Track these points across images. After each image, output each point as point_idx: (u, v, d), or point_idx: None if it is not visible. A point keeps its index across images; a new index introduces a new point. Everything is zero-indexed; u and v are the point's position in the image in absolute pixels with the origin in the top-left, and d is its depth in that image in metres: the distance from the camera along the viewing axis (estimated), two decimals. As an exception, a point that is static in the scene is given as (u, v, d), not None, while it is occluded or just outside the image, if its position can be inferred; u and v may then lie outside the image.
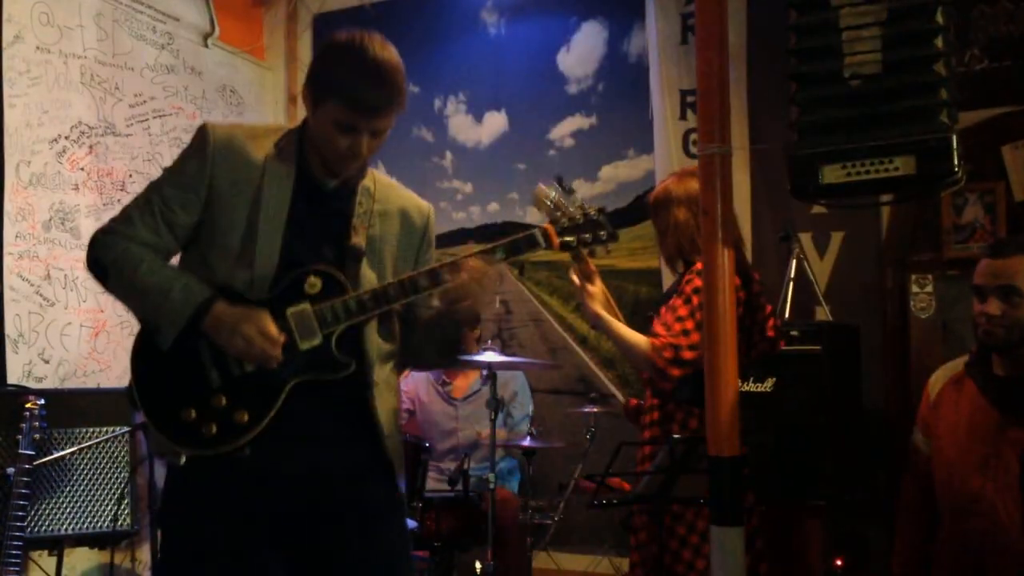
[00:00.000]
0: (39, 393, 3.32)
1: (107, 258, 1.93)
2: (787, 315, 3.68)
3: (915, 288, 3.90)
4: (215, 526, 1.89)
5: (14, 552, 2.98)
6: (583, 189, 4.65)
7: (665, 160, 4.33)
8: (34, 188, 3.89)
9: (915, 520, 2.72)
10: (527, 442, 3.90)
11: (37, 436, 3.13)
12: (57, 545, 3.41)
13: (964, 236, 3.82)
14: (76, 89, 4.08)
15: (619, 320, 2.65)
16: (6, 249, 3.77)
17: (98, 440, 3.46)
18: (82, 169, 4.10)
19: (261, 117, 5.12)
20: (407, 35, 4.79)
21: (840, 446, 3.32)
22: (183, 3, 4.67)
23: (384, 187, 2.09)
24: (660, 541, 2.48)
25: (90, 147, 4.14)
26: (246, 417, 1.87)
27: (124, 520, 3.51)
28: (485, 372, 3.90)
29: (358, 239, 1.99)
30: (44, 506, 3.34)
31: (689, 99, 4.28)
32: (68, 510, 3.40)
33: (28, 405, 3.14)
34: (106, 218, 2.02)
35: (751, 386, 3.28)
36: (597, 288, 2.63)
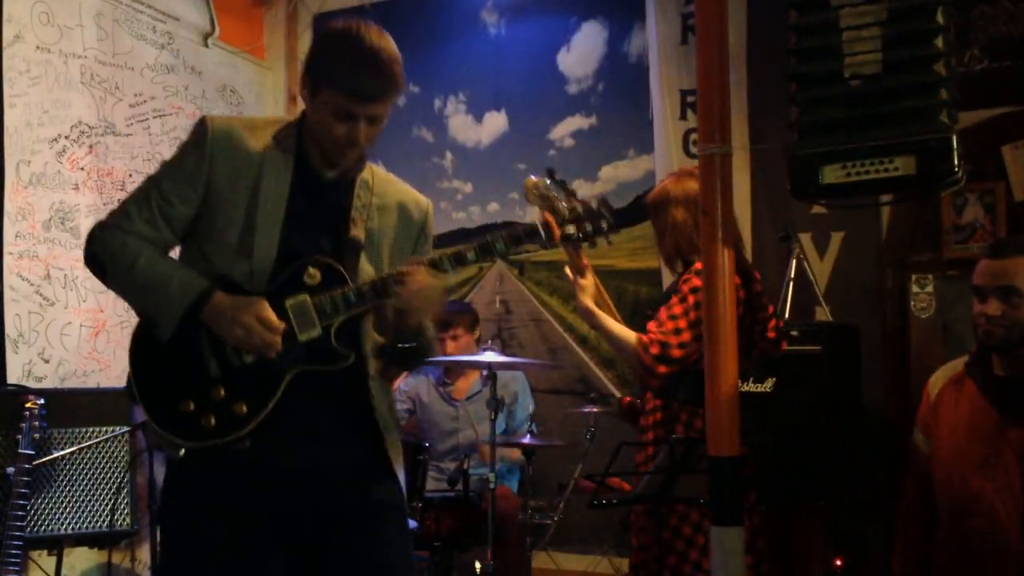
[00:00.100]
0: (39, 393, 3.33)
1: (105, 253, 1.92)
2: (787, 315, 3.68)
3: (915, 288, 3.90)
4: (216, 520, 1.89)
5: (14, 552, 2.98)
6: (583, 189, 4.63)
7: (665, 160, 4.32)
8: (34, 188, 3.89)
9: (915, 520, 2.72)
10: (527, 439, 3.90)
11: (37, 436, 3.13)
12: (57, 545, 3.41)
13: (964, 236, 3.81)
14: (76, 89, 4.08)
15: (613, 315, 2.65)
16: (6, 249, 3.77)
17: (98, 440, 3.46)
18: (82, 169, 4.10)
19: (261, 117, 5.12)
20: (407, 35, 4.76)
21: (840, 446, 3.32)
22: (183, 3, 4.66)
23: (383, 181, 2.09)
24: (660, 540, 2.48)
25: (90, 147, 4.14)
26: (245, 408, 1.86)
27: (123, 520, 3.51)
28: (485, 373, 3.90)
29: (357, 232, 1.98)
30: (44, 506, 3.34)
31: (689, 99, 4.27)
32: (68, 510, 3.40)
33: (28, 405, 3.14)
34: (106, 218, 2.02)
35: (751, 386, 3.28)
36: (588, 282, 2.63)
